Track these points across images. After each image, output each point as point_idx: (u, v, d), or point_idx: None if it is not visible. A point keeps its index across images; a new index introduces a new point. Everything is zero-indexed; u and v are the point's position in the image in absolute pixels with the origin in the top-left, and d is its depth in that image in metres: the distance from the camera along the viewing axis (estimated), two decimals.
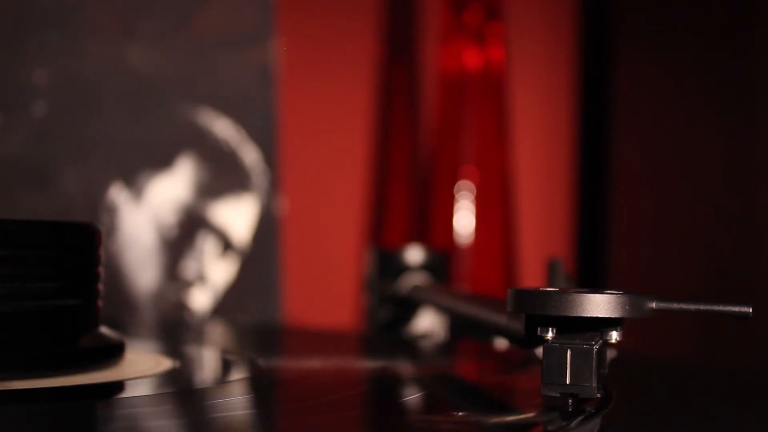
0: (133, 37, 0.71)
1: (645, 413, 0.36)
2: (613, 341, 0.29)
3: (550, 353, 0.28)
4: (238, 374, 0.39)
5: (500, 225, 0.80)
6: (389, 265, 0.61)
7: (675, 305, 0.29)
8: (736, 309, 0.28)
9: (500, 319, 0.35)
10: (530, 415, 0.30)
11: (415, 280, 0.59)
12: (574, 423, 0.28)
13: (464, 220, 0.79)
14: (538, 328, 0.29)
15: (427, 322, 0.60)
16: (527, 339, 0.30)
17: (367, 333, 0.62)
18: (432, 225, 0.81)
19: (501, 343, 0.51)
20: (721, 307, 0.28)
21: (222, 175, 0.72)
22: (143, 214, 0.70)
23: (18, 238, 0.35)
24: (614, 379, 0.31)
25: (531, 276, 0.86)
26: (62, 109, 0.69)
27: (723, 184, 0.81)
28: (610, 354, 0.31)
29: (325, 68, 0.86)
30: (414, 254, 0.61)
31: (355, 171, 0.88)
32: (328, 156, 0.86)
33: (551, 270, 0.47)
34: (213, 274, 0.72)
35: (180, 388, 0.36)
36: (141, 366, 0.38)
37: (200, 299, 0.71)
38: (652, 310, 0.28)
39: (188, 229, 0.71)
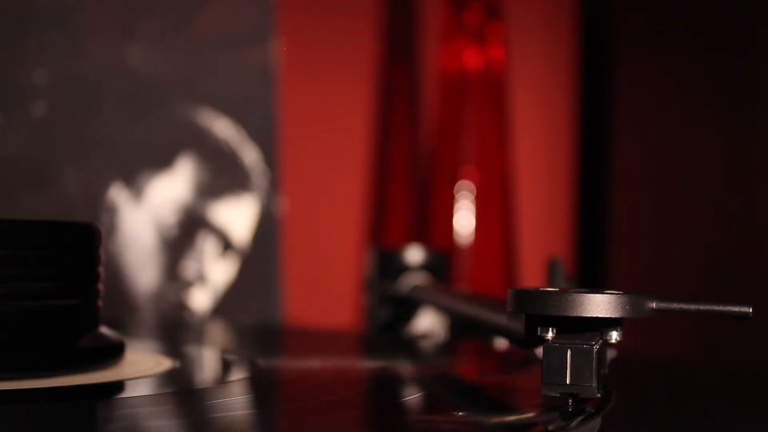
0: (133, 37, 0.71)
1: (645, 413, 0.36)
2: (613, 341, 0.29)
3: (550, 353, 0.28)
4: (238, 374, 0.39)
5: (500, 225, 0.80)
6: (389, 265, 0.61)
7: (675, 305, 0.29)
8: (736, 309, 0.28)
9: (500, 319, 0.35)
10: (530, 415, 0.30)
11: (415, 280, 0.59)
12: (574, 423, 0.28)
13: (464, 220, 0.79)
14: (538, 328, 0.29)
15: (427, 322, 0.60)
16: (527, 339, 0.30)
17: (367, 333, 0.62)
18: (432, 225, 0.81)
19: (501, 343, 0.51)
20: (721, 307, 0.28)
21: (222, 175, 0.72)
22: (143, 214, 0.70)
23: (18, 238, 0.35)
24: (614, 379, 0.31)
25: (531, 276, 0.86)
26: (62, 109, 0.69)
27: (723, 184, 0.81)
28: (610, 354, 0.31)
29: (325, 68, 0.86)
30: (414, 254, 0.61)
31: (355, 171, 0.88)
32: (328, 156, 0.86)
33: (551, 270, 0.47)
34: (213, 274, 0.72)
35: (180, 388, 0.36)
36: (141, 366, 0.38)
37: (200, 299, 0.71)
38: (652, 310, 0.28)
39: (188, 229, 0.71)
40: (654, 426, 0.34)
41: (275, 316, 0.73)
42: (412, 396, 0.36)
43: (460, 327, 0.57)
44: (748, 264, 0.78)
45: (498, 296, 0.39)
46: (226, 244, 0.72)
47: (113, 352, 0.38)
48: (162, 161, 0.71)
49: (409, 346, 0.53)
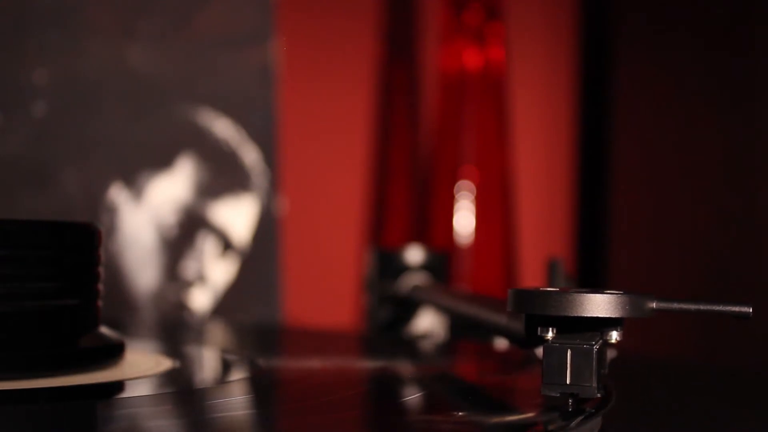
0: (133, 37, 0.71)
1: (645, 413, 0.36)
2: (613, 341, 0.29)
3: (550, 353, 0.28)
4: (238, 374, 0.39)
5: (500, 225, 0.80)
6: (389, 265, 0.61)
7: (675, 305, 0.29)
8: (736, 309, 0.28)
9: (500, 319, 0.35)
10: (530, 415, 0.30)
11: (415, 280, 0.59)
12: (574, 423, 0.28)
13: (464, 220, 0.79)
14: (538, 328, 0.29)
15: (427, 322, 0.60)
16: (527, 339, 0.30)
17: (367, 333, 0.62)
18: (432, 225, 0.81)
19: (501, 343, 0.51)
20: (721, 307, 0.28)
21: (222, 175, 0.72)
22: (143, 214, 0.70)
23: (18, 238, 0.35)
24: (614, 379, 0.31)
25: (531, 276, 0.86)
26: (62, 109, 0.69)
27: (723, 184, 0.81)
28: (610, 354, 0.31)
29: (325, 68, 0.86)
30: (414, 254, 0.61)
31: (355, 171, 0.88)
32: (328, 156, 0.86)
33: (551, 270, 0.47)
34: (213, 274, 0.72)
35: (180, 388, 0.36)
36: (141, 366, 0.38)
37: (200, 299, 0.71)
38: (652, 310, 0.28)
39: (188, 229, 0.71)
40: (654, 426, 0.34)
41: (275, 316, 0.73)
42: (412, 396, 0.36)
43: (460, 327, 0.57)
44: (748, 264, 0.78)
45: (498, 296, 0.39)
46: (226, 244, 0.72)
47: (113, 352, 0.38)
48: (162, 161, 0.71)
49: (409, 346, 0.53)
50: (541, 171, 0.95)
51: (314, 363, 0.42)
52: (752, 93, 0.79)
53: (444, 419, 0.30)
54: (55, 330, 0.36)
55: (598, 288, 0.29)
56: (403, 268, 0.60)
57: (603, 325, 0.29)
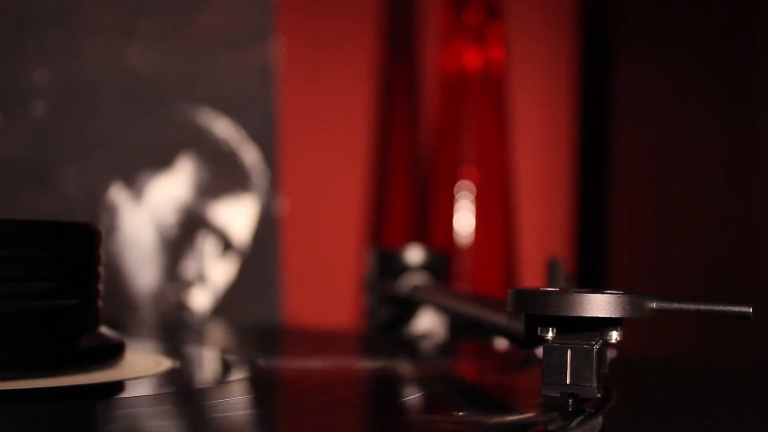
0: (133, 37, 0.71)
1: (645, 413, 0.36)
2: (613, 341, 0.29)
3: (550, 353, 0.28)
4: (238, 374, 0.39)
5: (500, 225, 0.80)
6: (389, 265, 0.61)
7: (675, 305, 0.29)
8: (736, 309, 0.28)
9: (500, 319, 0.35)
10: (530, 415, 0.30)
11: (415, 280, 0.59)
12: (574, 423, 0.28)
13: (464, 220, 0.79)
14: (538, 328, 0.29)
15: (427, 322, 0.60)
16: (527, 339, 0.30)
17: (367, 333, 0.62)
18: (432, 225, 0.81)
19: (501, 343, 0.51)
20: (721, 307, 0.28)
21: (222, 175, 0.72)
22: (143, 214, 0.70)
23: (18, 238, 0.35)
24: (614, 379, 0.31)
25: (531, 276, 0.86)
26: (62, 109, 0.69)
27: (723, 184, 0.81)
28: (610, 354, 0.31)
29: (325, 68, 0.86)
30: (414, 254, 0.61)
31: (355, 171, 0.88)
32: (328, 156, 0.86)
33: (551, 270, 0.47)
34: (213, 274, 0.72)
35: (180, 388, 0.36)
36: (141, 366, 0.38)
37: (200, 299, 0.71)
38: (652, 310, 0.28)
39: (188, 229, 0.71)
40: (654, 426, 0.34)
41: (275, 316, 0.73)
42: (412, 396, 0.36)
43: (460, 327, 0.57)
44: (748, 264, 0.78)
45: (498, 296, 0.39)
46: (226, 244, 0.72)
47: (113, 352, 0.38)
48: (162, 161, 0.71)
49: (409, 346, 0.53)
50: (541, 171, 0.95)
51: (314, 363, 0.42)
52: (752, 93, 0.79)
53: (444, 419, 0.30)
54: (55, 330, 0.36)
55: (598, 288, 0.29)
56: (403, 268, 0.60)
57: (603, 325, 0.29)
